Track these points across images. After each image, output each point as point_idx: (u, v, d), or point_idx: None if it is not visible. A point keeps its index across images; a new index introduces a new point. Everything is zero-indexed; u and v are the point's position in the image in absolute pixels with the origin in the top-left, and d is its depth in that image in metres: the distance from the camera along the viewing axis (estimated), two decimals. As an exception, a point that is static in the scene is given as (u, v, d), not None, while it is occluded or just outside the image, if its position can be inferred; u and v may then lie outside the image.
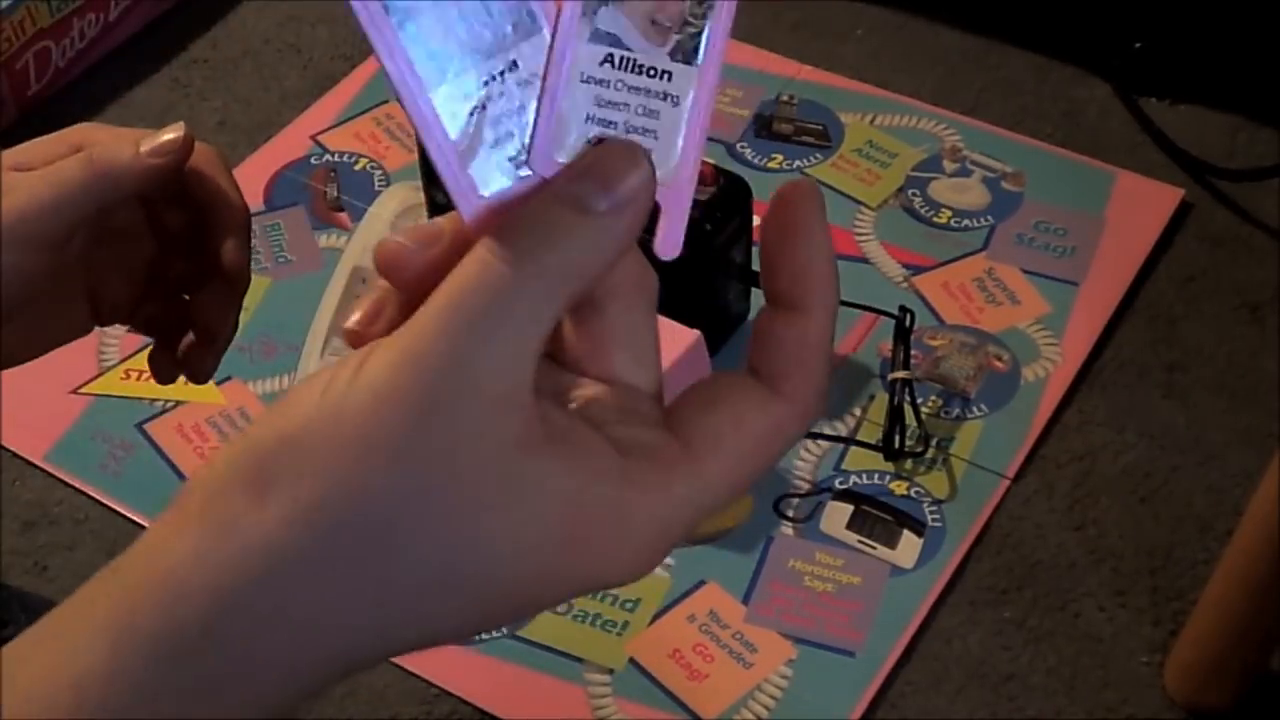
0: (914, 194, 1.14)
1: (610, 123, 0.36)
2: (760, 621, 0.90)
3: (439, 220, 0.36)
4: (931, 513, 0.95)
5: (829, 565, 0.92)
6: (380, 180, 1.17)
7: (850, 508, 0.95)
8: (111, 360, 1.04)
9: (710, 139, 1.18)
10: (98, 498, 0.97)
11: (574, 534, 0.34)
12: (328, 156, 1.18)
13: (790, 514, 0.95)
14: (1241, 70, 1.20)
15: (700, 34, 0.36)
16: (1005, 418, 1.00)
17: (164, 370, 0.68)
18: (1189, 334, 1.05)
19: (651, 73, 0.36)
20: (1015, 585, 0.92)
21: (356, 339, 0.37)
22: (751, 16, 1.27)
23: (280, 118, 1.22)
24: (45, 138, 0.64)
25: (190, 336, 0.67)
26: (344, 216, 1.14)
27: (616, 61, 0.36)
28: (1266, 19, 1.16)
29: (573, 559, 0.35)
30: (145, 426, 1.00)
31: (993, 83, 1.23)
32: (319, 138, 1.19)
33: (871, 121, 1.19)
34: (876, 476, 0.97)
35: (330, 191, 1.16)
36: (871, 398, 1.01)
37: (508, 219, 0.35)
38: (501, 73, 0.35)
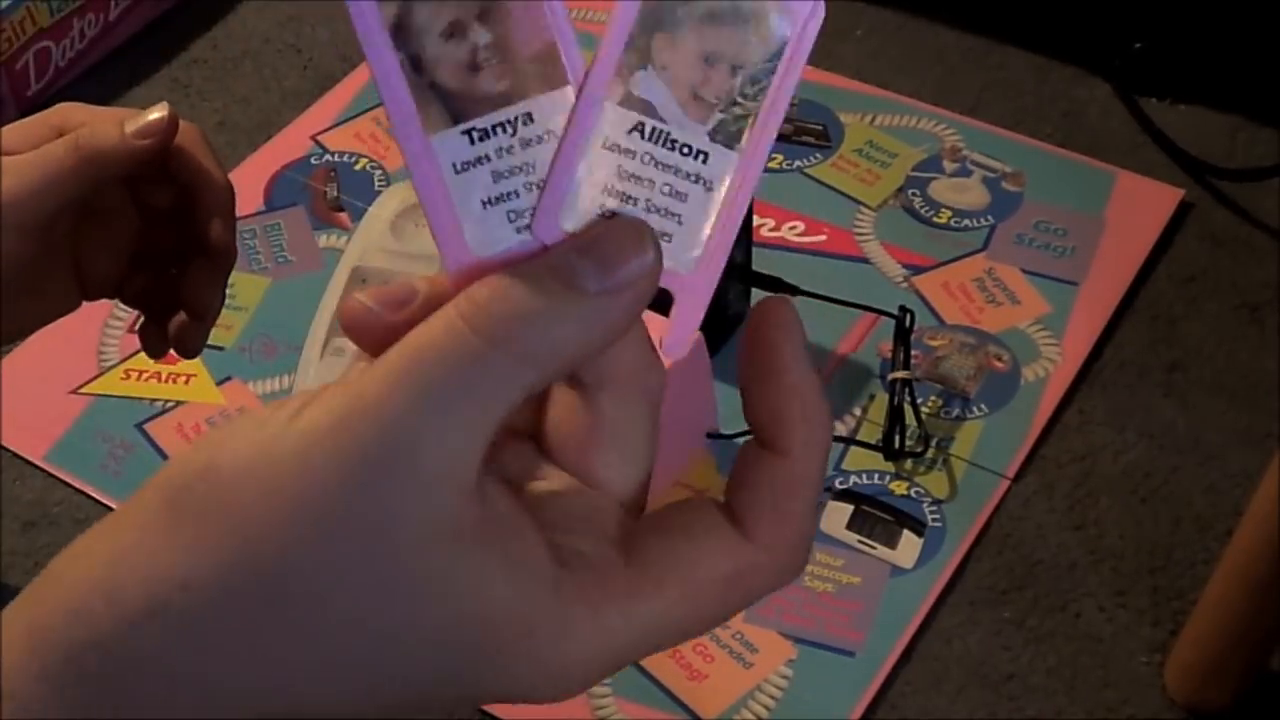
0: (914, 194, 1.14)
1: (630, 198, 0.32)
2: (760, 621, 0.90)
3: (412, 280, 0.33)
4: (931, 513, 0.95)
5: (829, 565, 0.92)
6: (380, 180, 1.17)
7: (850, 508, 0.95)
8: (111, 360, 1.04)
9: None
10: (98, 498, 0.97)
11: (485, 640, 0.31)
12: (328, 156, 1.18)
13: (790, 514, 0.95)
14: (1241, 70, 1.20)
15: (748, 117, 0.32)
16: (1005, 418, 1.00)
17: (154, 344, 0.69)
18: (1189, 334, 1.05)
19: (685, 150, 0.32)
20: (1015, 585, 0.92)
21: (353, 328, 0.35)
22: (751, 16, 1.27)
23: (280, 118, 1.22)
24: (26, 120, 0.64)
25: (180, 315, 0.67)
26: (344, 216, 1.14)
27: (647, 132, 0.32)
28: (1266, 19, 1.16)
29: (481, 667, 0.31)
30: (145, 426, 1.00)
31: (993, 83, 1.23)
32: (319, 138, 1.19)
33: (871, 121, 1.19)
34: (876, 476, 0.97)
35: (330, 191, 1.16)
36: (871, 398, 1.01)
37: (491, 280, 0.31)
38: (511, 123, 0.32)
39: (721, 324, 1.02)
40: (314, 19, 1.30)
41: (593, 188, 0.32)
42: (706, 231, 0.32)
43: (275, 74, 1.26)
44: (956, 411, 1.00)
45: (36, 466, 0.99)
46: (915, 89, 1.22)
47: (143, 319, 0.69)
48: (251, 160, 1.18)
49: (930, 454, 0.97)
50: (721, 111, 0.32)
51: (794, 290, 1.02)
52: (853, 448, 0.98)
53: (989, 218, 1.12)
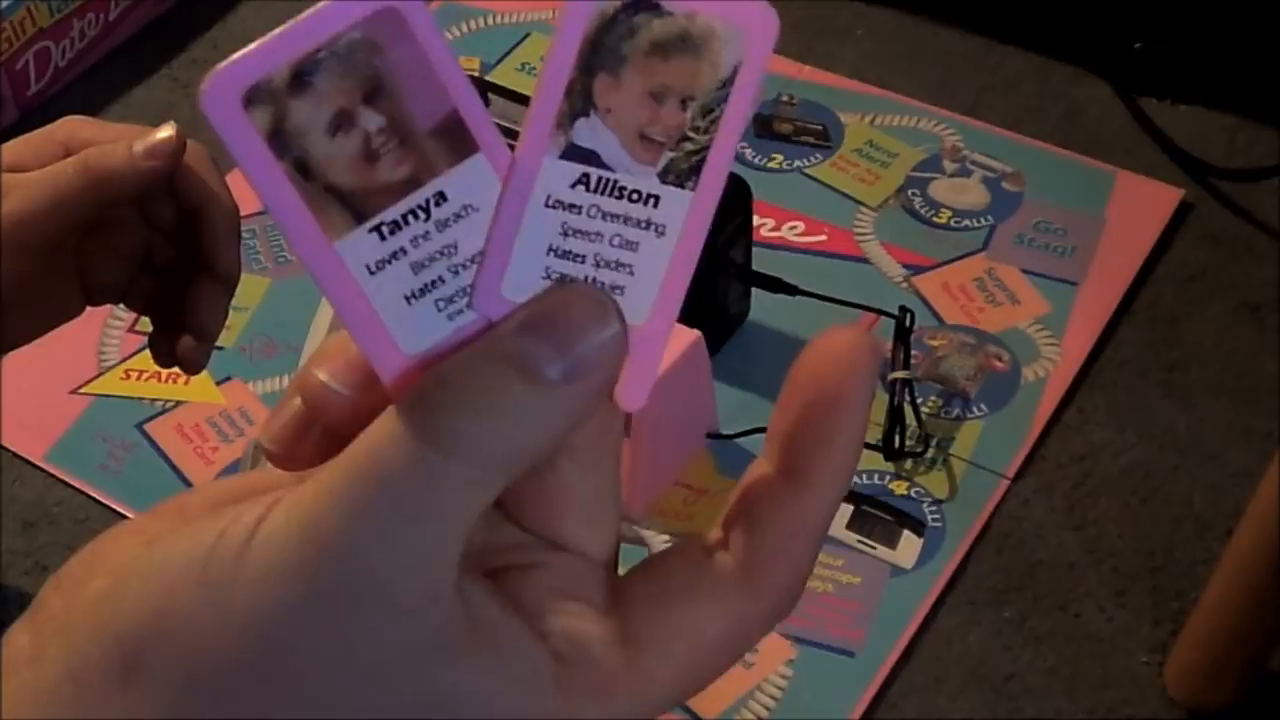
0: (914, 194, 1.14)
1: (578, 256, 0.29)
2: (760, 621, 0.90)
3: None
4: (931, 513, 0.95)
5: (829, 565, 0.92)
6: (380, 180, 1.16)
7: (850, 508, 0.95)
8: (111, 360, 1.04)
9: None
10: (98, 498, 0.97)
11: None
12: (328, 156, 1.18)
13: (790, 514, 0.95)
14: (1241, 70, 1.20)
15: (700, 151, 0.29)
16: (1005, 418, 1.00)
17: (163, 356, 0.69)
18: (1189, 334, 1.05)
19: (635, 197, 0.29)
20: (1015, 585, 0.92)
21: (280, 461, 0.31)
22: (751, 16, 1.27)
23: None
24: (33, 134, 0.64)
25: (186, 334, 0.68)
26: (344, 216, 1.14)
27: (592, 183, 0.29)
28: (1266, 19, 1.16)
29: None
30: (145, 426, 1.00)
31: (993, 83, 1.23)
32: (319, 138, 1.19)
33: (871, 121, 1.19)
34: (876, 476, 0.97)
35: (330, 191, 1.15)
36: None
37: (435, 376, 0.28)
38: (424, 207, 0.29)
39: (722, 324, 1.02)
40: (314, 19, 1.30)
41: (536, 251, 0.29)
42: (661, 278, 0.30)
43: (275, 74, 1.26)
44: (956, 411, 1.00)
45: (36, 466, 0.99)
46: (915, 89, 1.22)
47: (151, 331, 0.70)
48: (251, 160, 1.18)
49: (930, 454, 0.97)
50: (671, 150, 0.29)
51: (794, 290, 1.02)
52: (853, 448, 0.98)
53: (989, 218, 1.12)
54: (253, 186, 0.27)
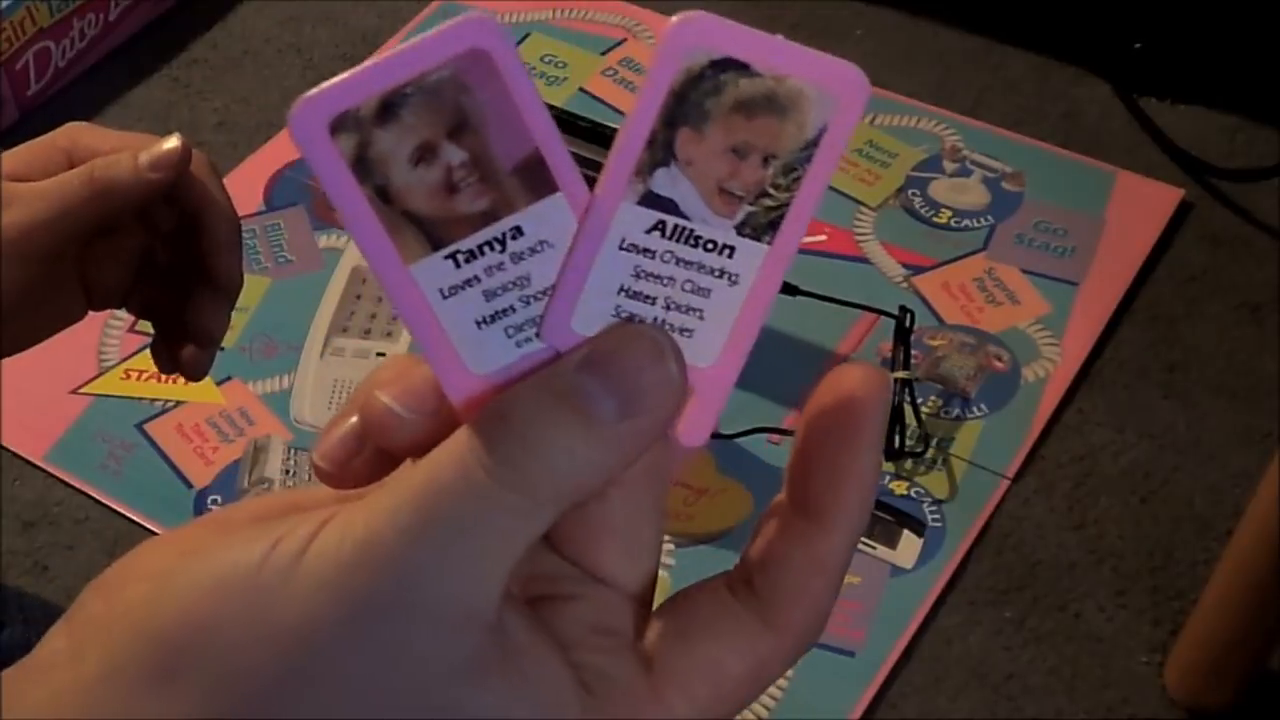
0: (914, 194, 1.14)
1: (648, 298, 0.30)
2: (760, 621, 0.90)
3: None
4: (931, 513, 0.95)
5: (829, 565, 0.92)
6: (380, 180, 1.16)
7: (850, 508, 0.95)
8: (111, 360, 1.04)
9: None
10: (98, 498, 0.97)
11: None
12: (328, 156, 1.18)
13: (790, 514, 0.95)
14: (1241, 70, 1.20)
15: (780, 208, 0.30)
16: (1005, 418, 1.00)
17: (164, 362, 0.69)
18: (1189, 334, 1.05)
19: (710, 246, 0.30)
20: (1015, 585, 0.92)
21: (331, 479, 0.32)
22: (751, 16, 1.27)
23: (280, 118, 1.22)
24: (35, 143, 0.64)
25: (188, 341, 0.68)
26: (344, 216, 1.14)
27: (669, 230, 0.29)
28: (1266, 19, 1.16)
29: None
30: (145, 426, 1.00)
31: (993, 83, 1.23)
32: (319, 138, 1.19)
33: (871, 121, 1.19)
34: (876, 476, 0.97)
35: (330, 191, 1.16)
36: (871, 398, 1.00)
37: (496, 408, 0.29)
38: (500, 239, 0.30)
39: (721, 324, 1.02)
40: (314, 19, 1.30)
41: (607, 290, 0.30)
42: (731, 324, 0.30)
43: (275, 74, 1.26)
44: (956, 411, 1.00)
45: (36, 466, 0.99)
46: (915, 89, 1.22)
47: (153, 336, 0.70)
48: (251, 160, 1.18)
49: (930, 454, 0.97)
50: (750, 205, 0.29)
51: (794, 290, 1.02)
52: (853, 448, 0.98)
53: (989, 218, 1.12)
54: (334, 207, 0.29)
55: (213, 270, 0.66)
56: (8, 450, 1.00)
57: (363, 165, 0.29)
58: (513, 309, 0.30)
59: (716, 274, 0.30)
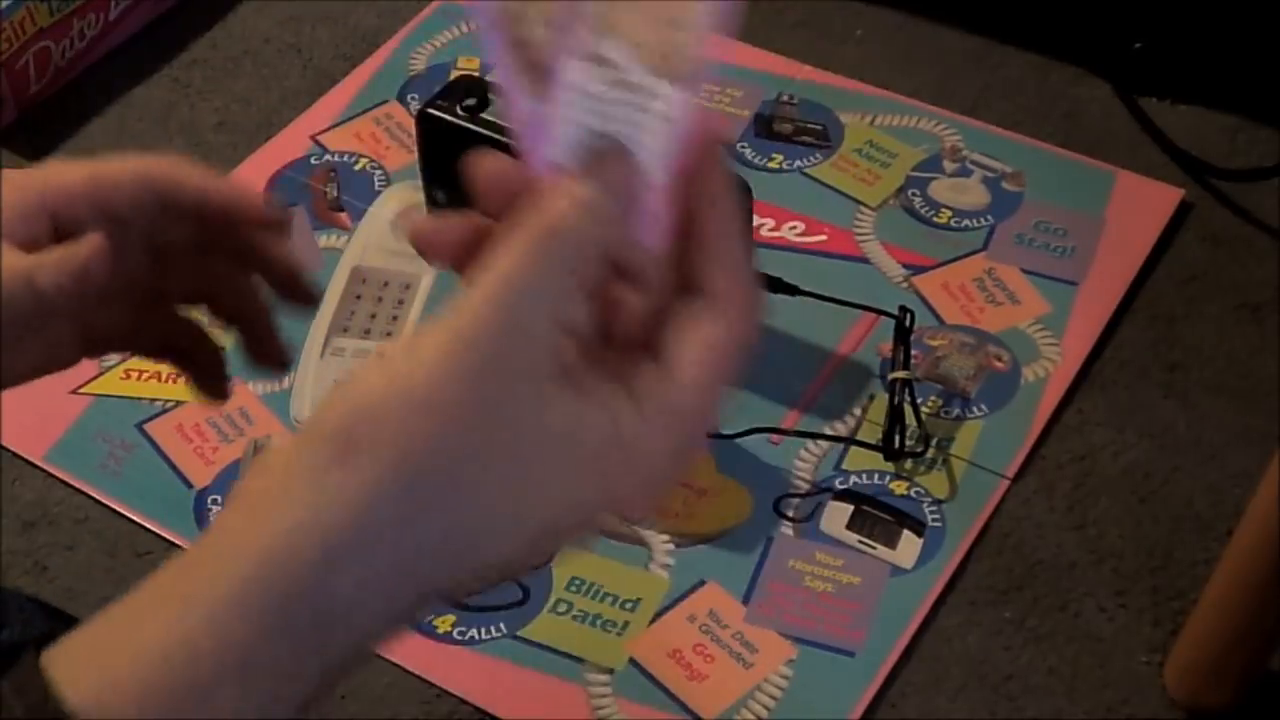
0: (914, 194, 1.14)
1: (606, 133, 0.42)
2: (760, 621, 0.90)
3: (453, 215, 0.44)
4: (931, 513, 0.95)
5: (829, 565, 0.92)
6: (380, 180, 1.17)
7: (850, 508, 0.95)
8: (111, 360, 1.04)
9: (710, 139, 1.18)
10: (98, 498, 0.97)
11: (604, 468, 0.41)
12: (328, 156, 1.18)
13: (790, 514, 0.95)
14: (1241, 70, 1.20)
15: (683, 53, 0.41)
16: (1005, 418, 1.00)
17: (212, 392, 0.63)
18: (1189, 334, 1.05)
19: (635, 89, 0.42)
20: (1015, 585, 0.92)
21: (422, 240, 0.45)
22: (751, 16, 1.27)
23: (280, 118, 1.22)
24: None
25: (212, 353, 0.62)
26: (344, 216, 1.14)
27: (611, 80, 0.41)
28: (1266, 19, 1.16)
29: (600, 490, 0.41)
30: (145, 426, 1.00)
31: (993, 83, 1.23)
32: (319, 138, 1.19)
33: (871, 121, 1.19)
34: (876, 476, 0.97)
35: (330, 191, 1.16)
36: (871, 398, 1.01)
37: (531, 214, 0.42)
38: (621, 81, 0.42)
39: (721, 324, 1.02)
40: (314, 19, 1.30)
41: (577, 128, 0.42)
42: (665, 145, 0.42)
43: (275, 74, 1.26)
44: (956, 411, 1.00)
45: (36, 466, 0.99)
46: (915, 89, 1.22)
47: (185, 377, 0.63)
48: (251, 160, 1.18)
49: (930, 454, 0.97)
50: (663, 54, 0.41)
51: (794, 290, 1.02)
52: (853, 448, 0.98)
53: (989, 218, 1.12)
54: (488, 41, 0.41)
55: (281, 266, 0.60)
56: (8, 450, 1.00)
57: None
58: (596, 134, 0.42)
59: (643, 110, 0.42)
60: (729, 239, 0.43)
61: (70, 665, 0.38)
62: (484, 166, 0.44)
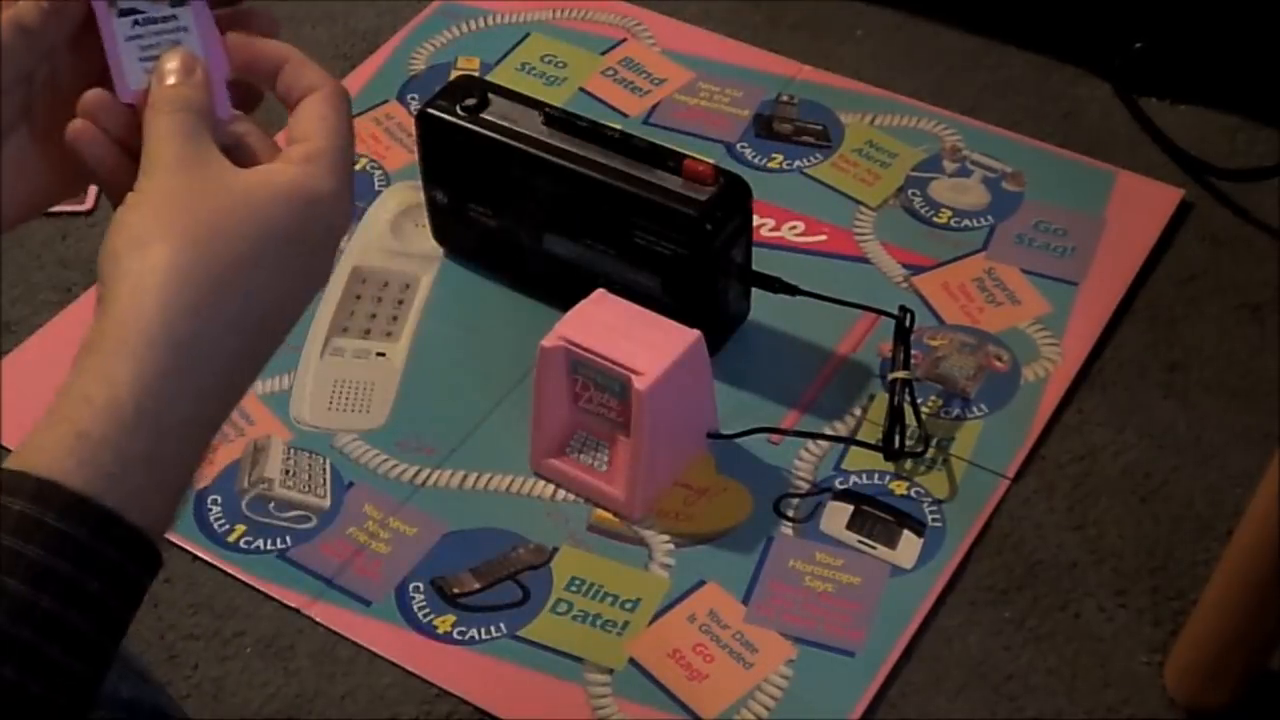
0: (914, 194, 1.14)
1: (154, 58, 0.57)
2: (760, 621, 0.90)
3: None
4: (931, 513, 0.95)
5: (829, 565, 0.92)
6: (380, 180, 1.17)
7: (850, 508, 0.95)
8: (111, 360, 1.04)
9: (710, 139, 1.18)
10: (98, 498, 0.97)
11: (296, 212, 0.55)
12: (328, 156, 1.18)
13: (790, 514, 0.95)
14: (1241, 70, 1.20)
15: None
16: (1005, 418, 1.00)
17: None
18: (1189, 334, 1.05)
19: (165, 19, 0.58)
20: (1015, 585, 0.92)
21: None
22: (751, 16, 1.27)
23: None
24: None
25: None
26: (344, 216, 1.14)
27: (141, 21, 0.57)
28: (1266, 19, 1.16)
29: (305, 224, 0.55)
30: (145, 426, 1.00)
31: (993, 83, 1.23)
32: (319, 138, 1.19)
33: (871, 121, 1.19)
34: (876, 476, 0.97)
35: (330, 191, 1.15)
36: (871, 398, 1.01)
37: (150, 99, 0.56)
38: (158, 18, 0.58)
39: (722, 324, 1.02)
40: (314, 19, 1.30)
41: (135, 63, 0.57)
42: (202, 50, 0.58)
43: (275, 74, 1.26)
44: (956, 411, 1.00)
45: (36, 466, 0.99)
46: (915, 89, 1.22)
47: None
48: (251, 160, 1.18)
49: (930, 454, 0.97)
50: None
51: (794, 290, 1.02)
52: (853, 448, 0.98)
53: (989, 218, 1.12)
54: None
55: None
56: (8, 450, 1.00)
57: None
58: (154, 57, 0.57)
59: (176, 30, 0.58)
60: (278, 52, 0.60)
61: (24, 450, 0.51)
62: (86, 99, 0.56)
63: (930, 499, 0.95)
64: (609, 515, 0.95)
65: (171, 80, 0.56)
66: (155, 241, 0.52)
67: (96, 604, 0.47)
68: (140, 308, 0.51)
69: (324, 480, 0.98)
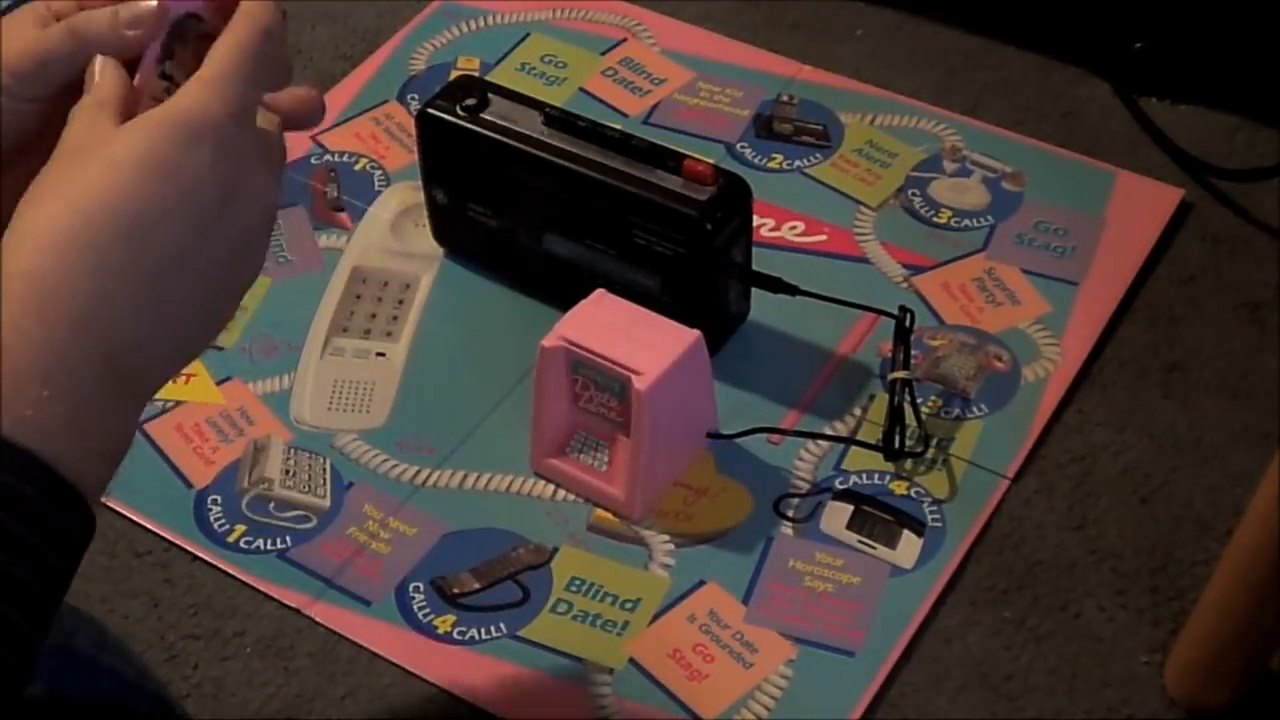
0: (914, 194, 1.14)
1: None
2: (760, 621, 0.90)
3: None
4: (931, 513, 0.95)
5: (829, 565, 0.92)
6: (380, 180, 1.17)
7: (850, 508, 0.95)
8: (111, 360, 1.04)
9: (710, 139, 1.19)
10: (98, 498, 0.97)
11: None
12: (328, 156, 1.18)
13: (790, 514, 0.95)
14: (1241, 70, 1.20)
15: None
16: (1005, 418, 1.00)
17: None
18: (1189, 334, 1.05)
19: None
20: (1015, 585, 0.92)
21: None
22: (751, 16, 1.27)
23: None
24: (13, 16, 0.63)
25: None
26: (344, 216, 1.14)
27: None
28: (1266, 19, 1.16)
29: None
30: (145, 426, 1.00)
31: (993, 83, 1.23)
32: (319, 138, 1.19)
33: (871, 121, 1.19)
34: (876, 476, 0.97)
35: (330, 191, 1.16)
36: (871, 398, 1.01)
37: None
38: None
39: (721, 324, 1.02)
40: (314, 19, 1.30)
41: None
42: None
43: (275, 74, 1.26)
44: (956, 411, 1.00)
45: (36, 466, 0.99)
46: (915, 89, 1.22)
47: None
48: (251, 160, 1.18)
49: (930, 454, 0.97)
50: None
51: (794, 290, 1.02)
52: (853, 448, 0.98)
53: (989, 218, 1.12)
54: None
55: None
56: (8, 450, 1.00)
57: None
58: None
59: None
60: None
61: None
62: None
63: (930, 499, 0.95)
64: (609, 515, 0.95)
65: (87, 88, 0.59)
66: (32, 204, 0.54)
67: (29, 550, 0.49)
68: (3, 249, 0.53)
69: (324, 480, 0.98)
